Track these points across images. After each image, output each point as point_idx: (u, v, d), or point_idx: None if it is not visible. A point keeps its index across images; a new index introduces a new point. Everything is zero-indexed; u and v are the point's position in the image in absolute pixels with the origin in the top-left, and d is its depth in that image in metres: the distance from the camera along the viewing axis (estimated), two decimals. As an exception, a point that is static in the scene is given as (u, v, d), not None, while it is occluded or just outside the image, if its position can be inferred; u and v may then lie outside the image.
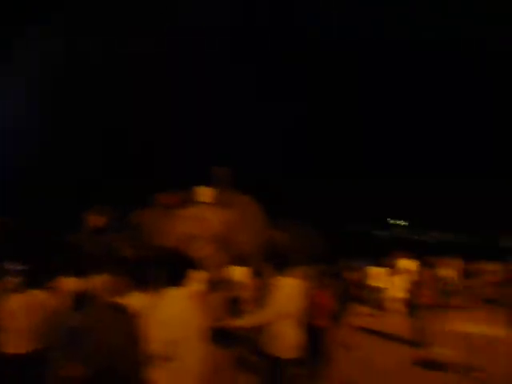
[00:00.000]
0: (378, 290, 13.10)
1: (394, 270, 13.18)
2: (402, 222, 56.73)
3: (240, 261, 8.89)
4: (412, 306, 9.19)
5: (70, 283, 5.23)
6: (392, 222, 56.87)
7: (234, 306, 6.54)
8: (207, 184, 12.84)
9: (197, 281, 4.53)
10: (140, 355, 1.96)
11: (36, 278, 4.01)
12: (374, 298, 13.12)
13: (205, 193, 12.36)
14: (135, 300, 3.01)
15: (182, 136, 36.52)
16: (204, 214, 12.16)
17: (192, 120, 37.14)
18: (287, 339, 3.98)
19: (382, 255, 14.74)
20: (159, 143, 37.32)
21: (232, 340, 5.21)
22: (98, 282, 4.84)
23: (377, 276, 13.34)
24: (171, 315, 2.63)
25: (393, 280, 12.87)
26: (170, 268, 2.81)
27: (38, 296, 3.95)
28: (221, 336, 4.12)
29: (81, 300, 4.20)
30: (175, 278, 2.80)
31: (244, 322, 4.21)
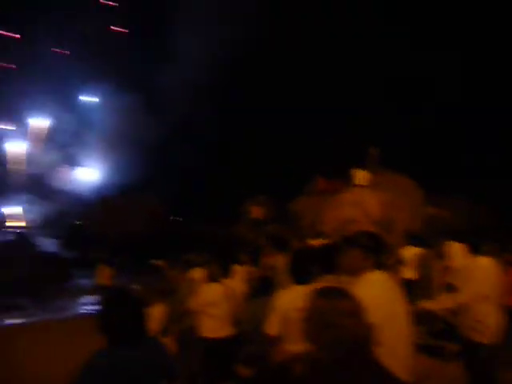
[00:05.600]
0: None
1: None
2: None
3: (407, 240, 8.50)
4: None
5: (244, 271, 5.55)
6: None
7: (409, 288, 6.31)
8: (361, 166, 12.74)
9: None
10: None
11: (227, 269, 4.27)
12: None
13: (361, 176, 12.23)
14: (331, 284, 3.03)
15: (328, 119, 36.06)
16: (363, 198, 12.05)
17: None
18: (488, 323, 3.69)
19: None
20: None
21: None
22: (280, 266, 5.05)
23: None
24: (375, 299, 2.55)
25: None
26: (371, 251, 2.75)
27: (229, 284, 4.22)
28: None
29: (263, 286, 4.42)
30: (375, 261, 2.74)
31: (439, 304, 4.00)
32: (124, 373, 2.17)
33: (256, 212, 14.79)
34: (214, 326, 4.07)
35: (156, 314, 4.17)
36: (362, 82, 35.85)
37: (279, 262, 5.79)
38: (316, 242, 7.14)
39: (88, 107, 56.57)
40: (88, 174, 54.24)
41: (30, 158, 55.29)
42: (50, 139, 55.89)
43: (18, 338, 8.68)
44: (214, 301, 4.06)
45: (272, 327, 3.16)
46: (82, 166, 54.71)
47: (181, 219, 35.38)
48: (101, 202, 29.89)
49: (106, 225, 24.22)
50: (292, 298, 3.12)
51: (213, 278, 4.18)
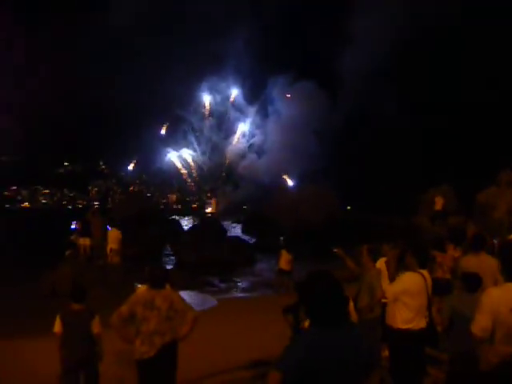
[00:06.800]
0: None
1: None
2: None
3: None
4: None
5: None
6: None
7: None
8: None
9: None
10: None
11: (423, 260, 4.06)
12: None
13: None
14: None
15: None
16: None
17: None
18: None
19: None
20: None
21: None
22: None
23: None
24: None
25: None
26: None
27: (426, 276, 3.99)
28: None
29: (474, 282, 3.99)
30: None
31: None
32: (331, 354, 2.16)
33: (439, 203, 13.81)
34: (407, 316, 3.88)
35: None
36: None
37: (469, 259, 5.24)
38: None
39: (271, 97, 59.26)
40: (270, 163, 57.03)
41: (216, 148, 60.53)
42: (237, 129, 60.31)
43: (212, 313, 9.67)
44: (412, 290, 3.87)
45: (481, 326, 2.86)
46: (265, 154, 57.91)
47: (353, 208, 35.20)
48: (280, 191, 31.36)
49: (284, 213, 25.27)
50: (506, 297, 2.78)
51: (410, 268, 3.98)
